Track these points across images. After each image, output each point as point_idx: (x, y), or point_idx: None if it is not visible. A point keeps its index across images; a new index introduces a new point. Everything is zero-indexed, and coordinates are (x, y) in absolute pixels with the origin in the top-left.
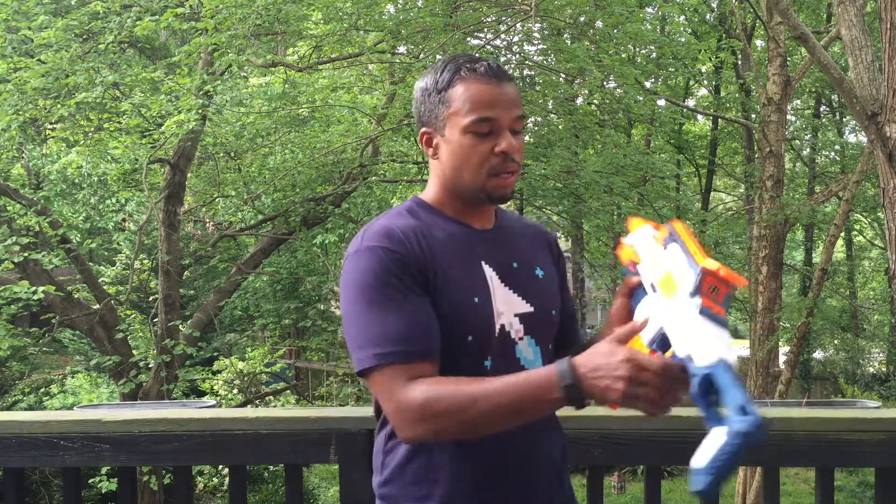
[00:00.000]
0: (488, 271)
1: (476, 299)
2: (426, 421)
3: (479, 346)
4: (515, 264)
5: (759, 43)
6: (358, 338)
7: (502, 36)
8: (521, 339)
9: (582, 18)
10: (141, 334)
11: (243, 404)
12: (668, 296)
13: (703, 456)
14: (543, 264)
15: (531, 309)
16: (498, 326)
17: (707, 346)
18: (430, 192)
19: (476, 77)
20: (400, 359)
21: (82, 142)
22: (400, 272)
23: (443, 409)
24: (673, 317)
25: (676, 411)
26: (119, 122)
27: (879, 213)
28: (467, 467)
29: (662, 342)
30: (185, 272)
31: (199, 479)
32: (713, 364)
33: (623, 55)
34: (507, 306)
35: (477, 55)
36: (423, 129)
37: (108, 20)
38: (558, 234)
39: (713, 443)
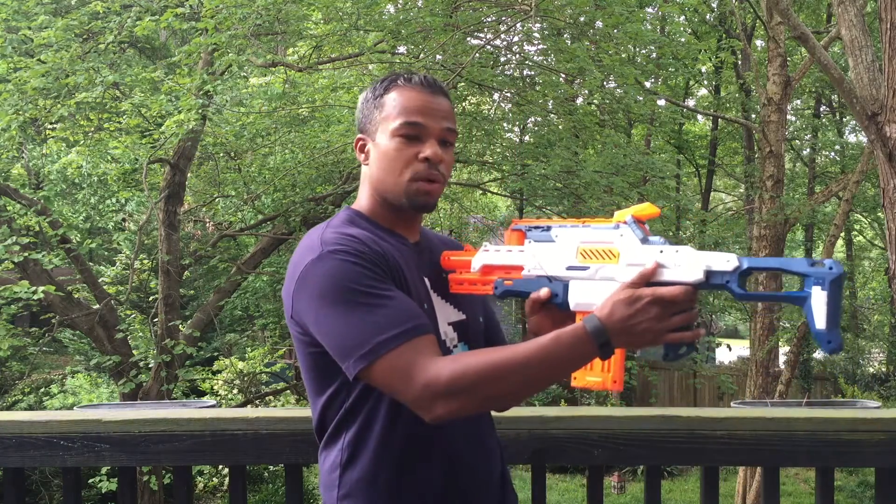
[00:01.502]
0: (426, 282)
1: (425, 305)
2: (457, 395)
3: None
4: (445, 274)
5: (759, 43)
6: (353, 336)
7: (502, 36)
8: (455, 346)
9: (582, 18)
10: (141, 334)
11: (243, 404)
12: (614, 261)
13: (821, 316)
14: None
15: (463, 317)
16: (440, 334)
17: (713, 255)
18: (363, 202)
19: (410, 86)
20: (406, 337)
21: (82, 142)
22: (373, 267)
23: (473, 381)
24: (646, 264)
25: (676, 411)
26: (119, 122)
27: (879, 213)
28: (436, 476)
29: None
30: (185, 272)
31: (199, 479)
32: (739, 262)
33: (623, 55)
34: (442, 315)
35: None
36: (358, 136)
37: (108, 20)
38: None
39: (818, 303)
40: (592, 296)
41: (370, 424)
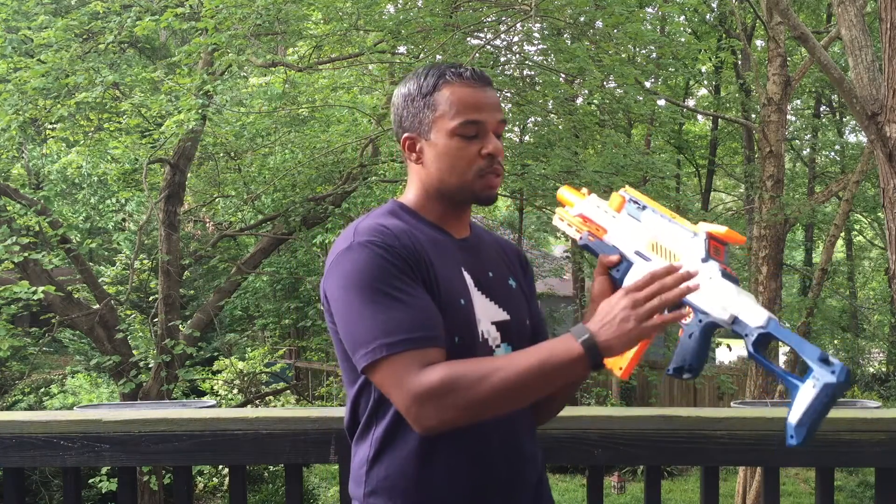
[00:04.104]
0: (467, 278)
1: (462, 301)
2: (448, 402)
3: (465, 347)
4: (491, 273)
5: (759, 43)
6: (362, 332)
7: (502, 36)
8: (497, 346)
9: (582, 18)
10: (141, 334)
11: (243, 404)
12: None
13: (797, 411)
14: (515, 276)
15: (507, 317)
16: (478, 332)
17: (749, 306)
18: (410, 197)
19: (461, 81)
20: (412, 345)
21: (82, 142)
22: (400, 264)
23: (464, 385)
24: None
25: (676, 411)
26: (119, 122)
27: (879, 213)
28: (462, 475)
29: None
30: (185, 272)
31: (199, 479)
32: (766, 322)
33: (623, 55)
34: (484, 314)
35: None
36: (406, 135)
37: (108, 20)
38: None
39: (803, 397)
40: None
41: (400, 420)
